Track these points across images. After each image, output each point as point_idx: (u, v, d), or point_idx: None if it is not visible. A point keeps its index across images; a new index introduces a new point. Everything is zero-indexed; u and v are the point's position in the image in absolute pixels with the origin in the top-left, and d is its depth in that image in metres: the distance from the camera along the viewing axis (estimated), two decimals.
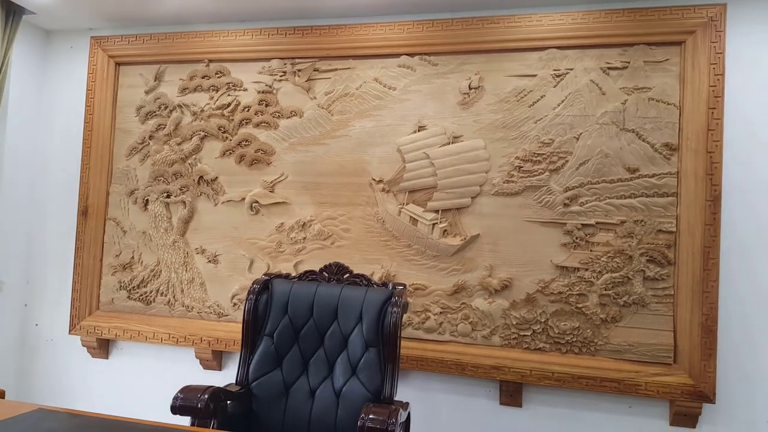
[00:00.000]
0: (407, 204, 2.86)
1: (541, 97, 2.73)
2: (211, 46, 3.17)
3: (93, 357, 3.32)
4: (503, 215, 2.73)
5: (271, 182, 3.04)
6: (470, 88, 2.81)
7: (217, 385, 2.13)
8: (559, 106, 2.70)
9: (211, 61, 3.18)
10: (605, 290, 2.58)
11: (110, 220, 3.29)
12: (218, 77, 3.17)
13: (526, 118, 2.74)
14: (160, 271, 3.19)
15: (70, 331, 3.26)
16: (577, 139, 2.67)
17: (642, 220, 2.56)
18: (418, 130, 2.87)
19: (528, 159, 2.71)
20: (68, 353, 3.39)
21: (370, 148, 2.92)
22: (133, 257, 3.24)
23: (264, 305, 2.43)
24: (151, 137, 3.25)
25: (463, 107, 2.82)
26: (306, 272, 2.56)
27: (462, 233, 2.78)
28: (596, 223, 2.62)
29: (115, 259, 3.26)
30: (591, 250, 2.62)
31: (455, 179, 2.79)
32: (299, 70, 3.04)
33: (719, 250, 2.47)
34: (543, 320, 2.65)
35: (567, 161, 2.67)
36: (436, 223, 2.80)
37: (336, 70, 3.01)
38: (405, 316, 2.79)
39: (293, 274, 2.60)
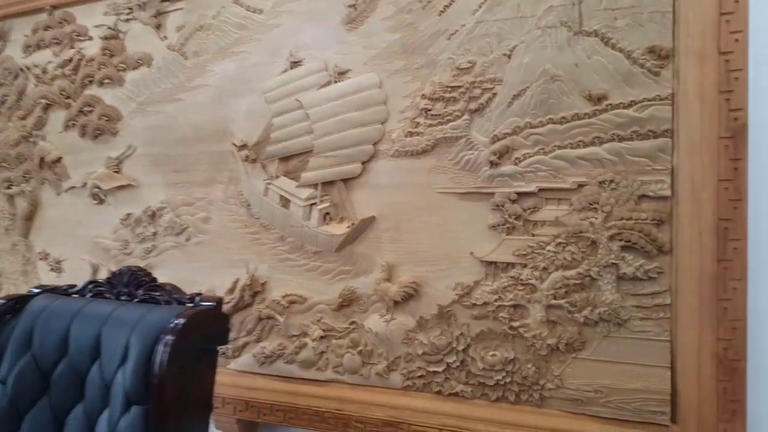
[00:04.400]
0: (278, 177, 1.97)
1: None
2: None
3: None
4: (407, 186, 1.77)
5: (117, 158, 2.24)
6: None
7: None
8: (480, 8, 1.70)
9: (54, 7, 2.43)
10: (555, 299, 1.56)
11: None
12: (62, 27, 2.41)
13: (436, 34, 1.76)
14: (2, 284, 2.49)
15: None
16: (509, 56, 1.66)
17: (613, 181, 1.52)
18: (291, 68, 1.97)
19: (438, 97, 1.73)
20: None
21: (234, 99, 2.05)
22: None
23: (7, 336, 1.63)
24: None
25: (349, 28, 1.88)
26: (89, 283, 1.71)
27: (350, 217, 1.85)
28: (539, 189, 1.60)
29: None
30: (532, 234, 1.60)
31: (338, 136, 1.86)
32: (146, 3, 2.22)
33: (746, 226, 1.38)
34: (461, 348, 1.67)
35: (495, 94, 1.67)
36: (315, 203, 1.89)
37: None
38: (274, 344, 1.90)
39: (77, 287, 1.76)
